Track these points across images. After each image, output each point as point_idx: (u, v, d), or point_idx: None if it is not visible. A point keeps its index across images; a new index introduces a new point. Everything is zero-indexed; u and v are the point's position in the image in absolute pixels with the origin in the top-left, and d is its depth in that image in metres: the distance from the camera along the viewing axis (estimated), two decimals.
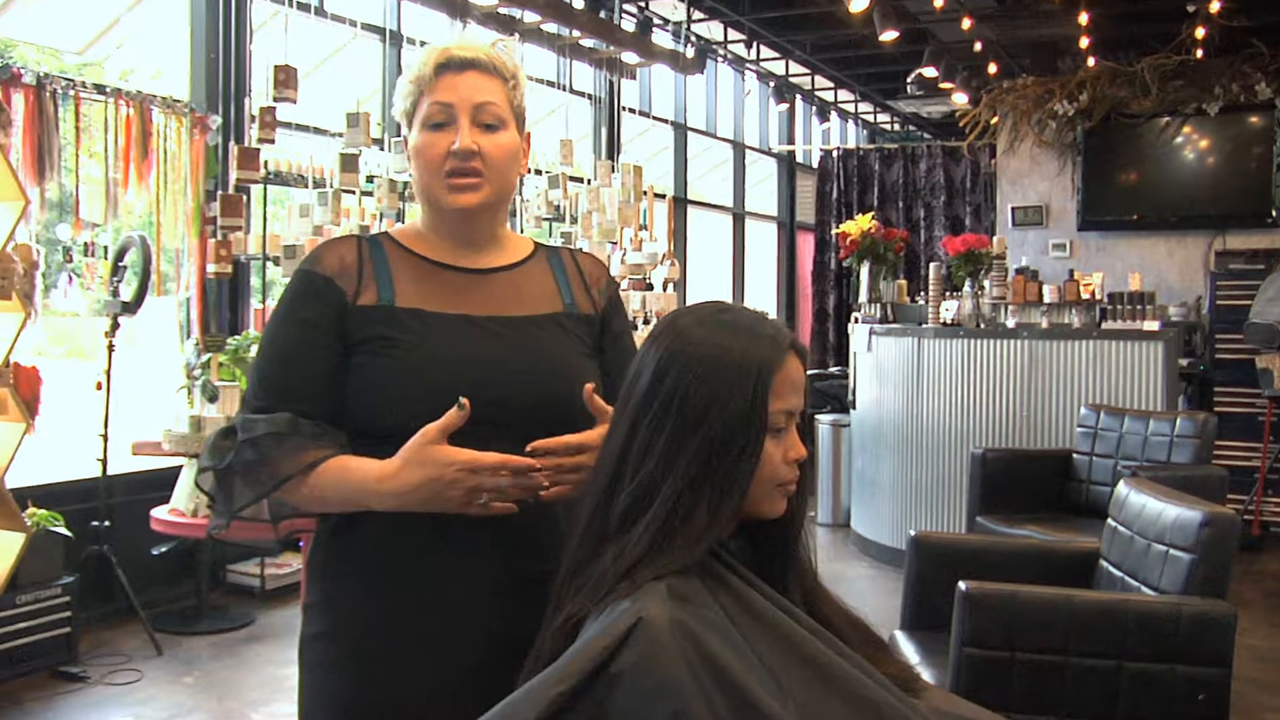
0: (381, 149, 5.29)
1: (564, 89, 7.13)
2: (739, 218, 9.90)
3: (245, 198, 4.83)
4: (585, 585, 1.11)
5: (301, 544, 1.35)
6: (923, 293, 6.25)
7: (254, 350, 1.46)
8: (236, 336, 4.57)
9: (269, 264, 4.95)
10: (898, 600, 3.05)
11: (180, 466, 4.31)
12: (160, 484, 4.44)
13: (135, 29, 5.23)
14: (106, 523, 4.17)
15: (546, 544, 1.32)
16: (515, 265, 1.46)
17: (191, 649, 4.16)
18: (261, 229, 4.88)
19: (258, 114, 4.66)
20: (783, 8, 8.16)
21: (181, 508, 4.18)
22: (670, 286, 6.53)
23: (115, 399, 4.22)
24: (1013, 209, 7.71)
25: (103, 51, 5.26)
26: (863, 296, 6.33)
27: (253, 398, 1.35)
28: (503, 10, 6.00)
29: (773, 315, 1.21)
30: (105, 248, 4.35)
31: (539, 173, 6.15)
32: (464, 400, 1.24)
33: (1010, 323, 5.47)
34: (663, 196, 7.39)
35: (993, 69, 7.84)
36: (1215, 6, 6.54)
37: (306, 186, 5.00)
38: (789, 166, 10.76)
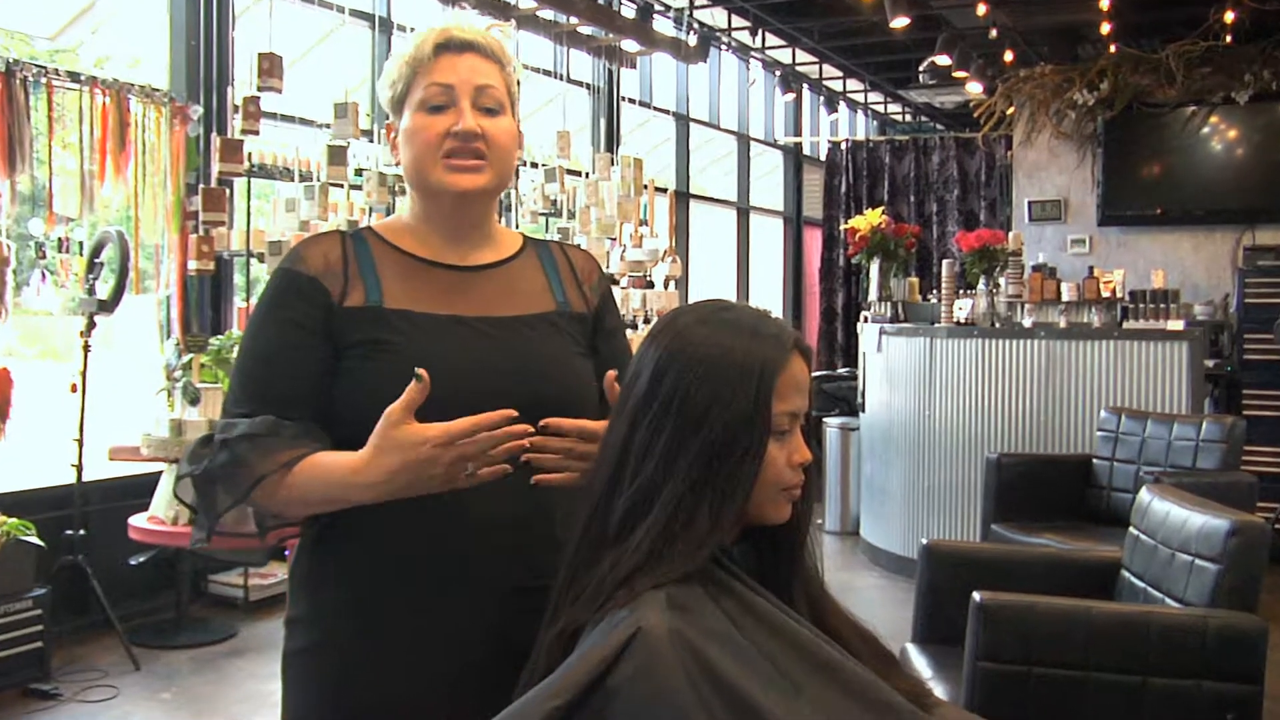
0: (371, 140, 5.28)
1: (561, 78, 7.12)
2: (743, 213, 9.89)
3: (228, 191, 4.82)
4: (583, 593, 1.11)
5: (287, 553, 1.35)
6: (935, 291, 6.23)
7: (236, 351, 1.44)
8: (219, 336, 4.57)
9: (253, 261, 4.94)
10: (909, 612, 3.05)
11: (160, 472, 4.31)
12: (138, 491, 4.43)
13: (111, 14, 5.23)
14: (81, 532, 4.16)
15: (542, 551, 1.32)
16: (505, 261, 1.46)
17: (170, 663, 4.15)
18: (245, 224, 4.87)
19: (241, 104, 4.65)
20: None
21: (161, 515, 4.18)
22: (672, 284, 6.52)
23: (91, 402, 4.21)
24: (1029, 203, 7.70)
25: (76, 37, 5.26)
26: (872, 295, 6.32)
27: (234, 404, 1.34)
28: None
29: (776, 314, 1.22)
30: (80, 243, 4.34)
31: (535, 166, 6.14)
32: (421, 371, 1.22)
33: (1027, 322, 5.46)
34: (664, 191, 7.39)
35: (1009, 57, 7.82)
36: None
37: (292, 180, 4.99)
38: (795, 159, 10.75)
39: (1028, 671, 2.34)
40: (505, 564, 1.33)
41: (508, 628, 1.30)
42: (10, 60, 4.16)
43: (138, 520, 4.18)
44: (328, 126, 4.97)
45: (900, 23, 6.65)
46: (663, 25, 7.90)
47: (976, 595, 2.41)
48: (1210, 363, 6.10)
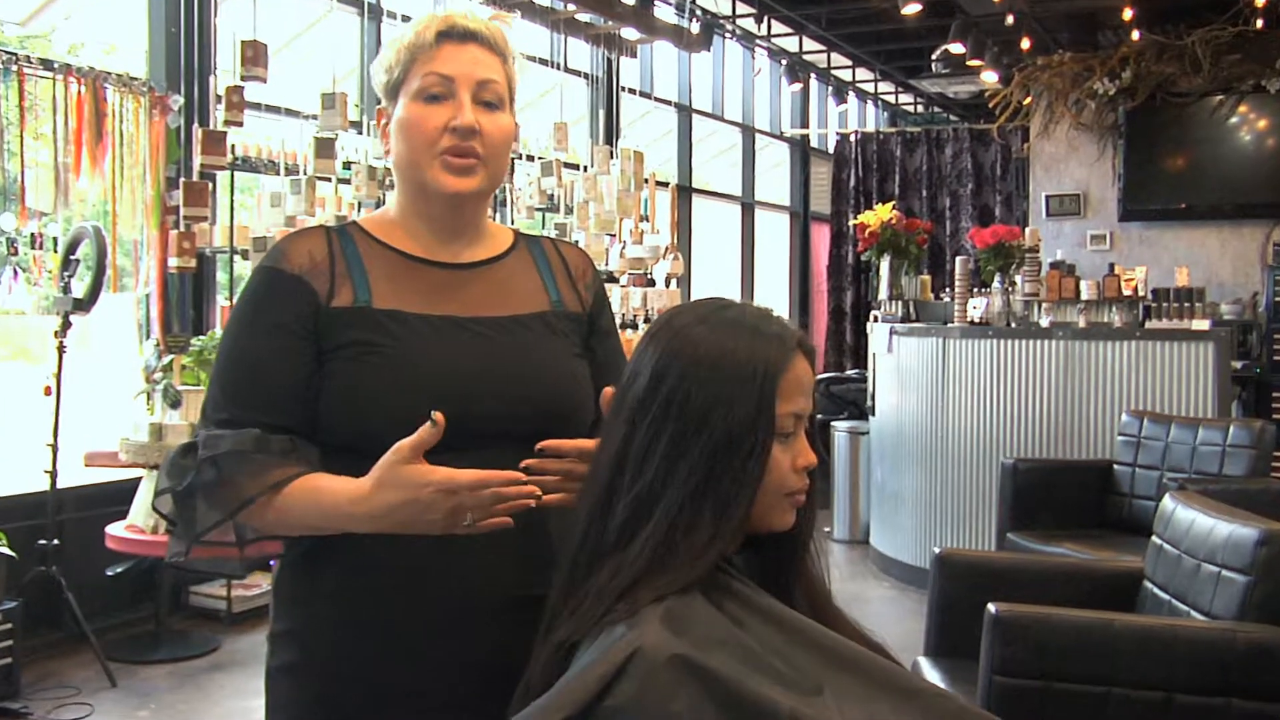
0: (360, 132, 5.28)
1: (558, 68, 7.12)
2: (748, 208, 9.89)
3: (210, 185, 4.82)
4: (581, 605, 1.11)
5: (273, 564, 1.35)
6: (948, 289, 6.22)
7: (216, 354, 1.43)
8: (201, 337, 4.56)
9: (236, 258, 4.94)
10: (921, 624, 3.05)
11: (139, 479, 4.30)
12: (116, 498, 4.42)
13: None
14: (55, 541, 4.15)
15: (537, 563, 1.32)
16: (497, 259, 1.45)
17: (148, 679, 4.14)
18: (228, 219, 4.87)
19: (224, 94, 4.65)
20: None
21: (139, 524, 4.17)
22: (673, 283, 6.51)
23: (66, 405, 4.20)
24: (1047, 198, 7.69)
25: (49, 23, 5.25)
26: (883, 293, 6.32)
27: (214, 410, 1.32)
28: None
29: (779, 312, 1.22)
30: (55, 239, 4.33)
31: (531, 159, 6.14)
32: (437, 415, 1.21)
33: (1044, 322, 5.45)
34: (665, 185, 7.39)
35: (1026, 44, 7.81)
36: None
37: (278, 173, 4.99)
38: (802, 152, 10.75)
39: (1045, 687, 2.33)
40: (498, 576, 1.32)
41: (501, 641, 1.30)
42: None
43: (115, 529, 4.17)
44: (315, 118, 4.96)
45: (912, 9, 6.65)
46: (664, 12, 7.89)
47: (992, 607, 2.40)
48: (1238, 364, 6.09)
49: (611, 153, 6.46)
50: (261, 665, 1.42)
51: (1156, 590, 2.76)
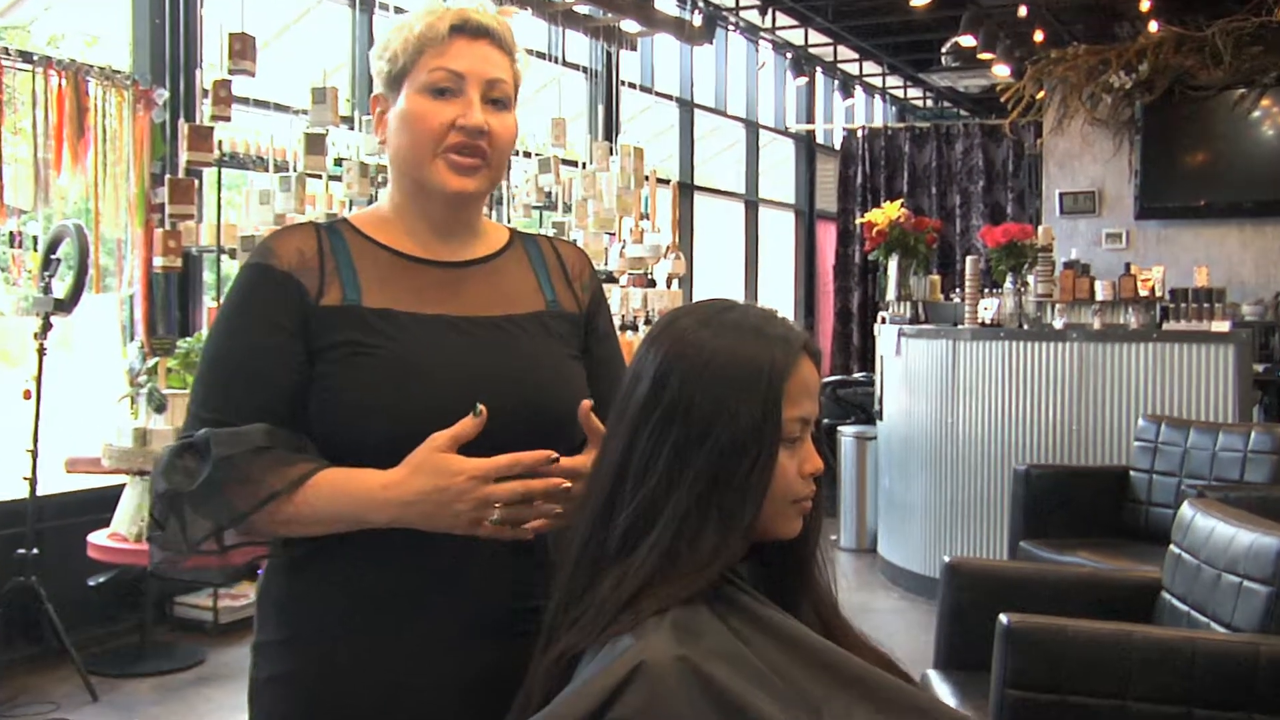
0: (352, 128, 5.27)
1: (556, 61, 7.12)
2: (752, 205, 9.89)
3: (197, 182, 4.82)
4: (581, 616, 1.12)
5: (260, 572, 1.34)
6: (958, 290, 6.22)
7: (201, 355, 1.42)
8: (187, 339, 4.56)
9: (224, 257, 4.93)
10: (930, 635, 3.04)
11: (122, 485, 4.30)
12: (98, 505, 4.41)
13: None
14: (34, 551, 4.14)
15: (532, 573, 1.32)
16: (492, 257, 1.45)
17: (132, 693, 4.13)
18: (215, 218, 4.86)
19: (210, 88, 4.64)
20: None
21: (123, 532, 4.16)
22: (675, 283, 6.51)
23: (46, 410, 4.19)
24: (1061, 195, 7.69)
25: (28, 14, 5.25)
26: (890, 294, 6.31)
27: (201, 410, 1.31)
28: None
29: (783, 314, 1.22)
30: (35, 238, 4.33)
31: (528, 155, 6.14)
32: (481, 406, 1.24)
33: (1058, 323, 5.45)
34: (666, 182, 7.39)
35: (1039, 36, 7.81)
36: None
37: (266, 170, 4.99)
38: (808, 148, 10.76)
39: (1060, 701, 2.33)
40: (493, 587, 1.32)
41: (499, 652, 1.30)
42: None
43: (97, 538, 4.16)
44: (305, 113, 4.96)
45: (921, 0, 6.64)
46: (665, 4, 7.90)
47: (1004, 618, 2.40)
48: (1259, 367, 6.08)
49: (611, 149, 6.46)
50: (248, 678, 1.41)
51: (1175, 601, 2.76)
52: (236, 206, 5.05)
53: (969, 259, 5.76)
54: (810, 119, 10.70)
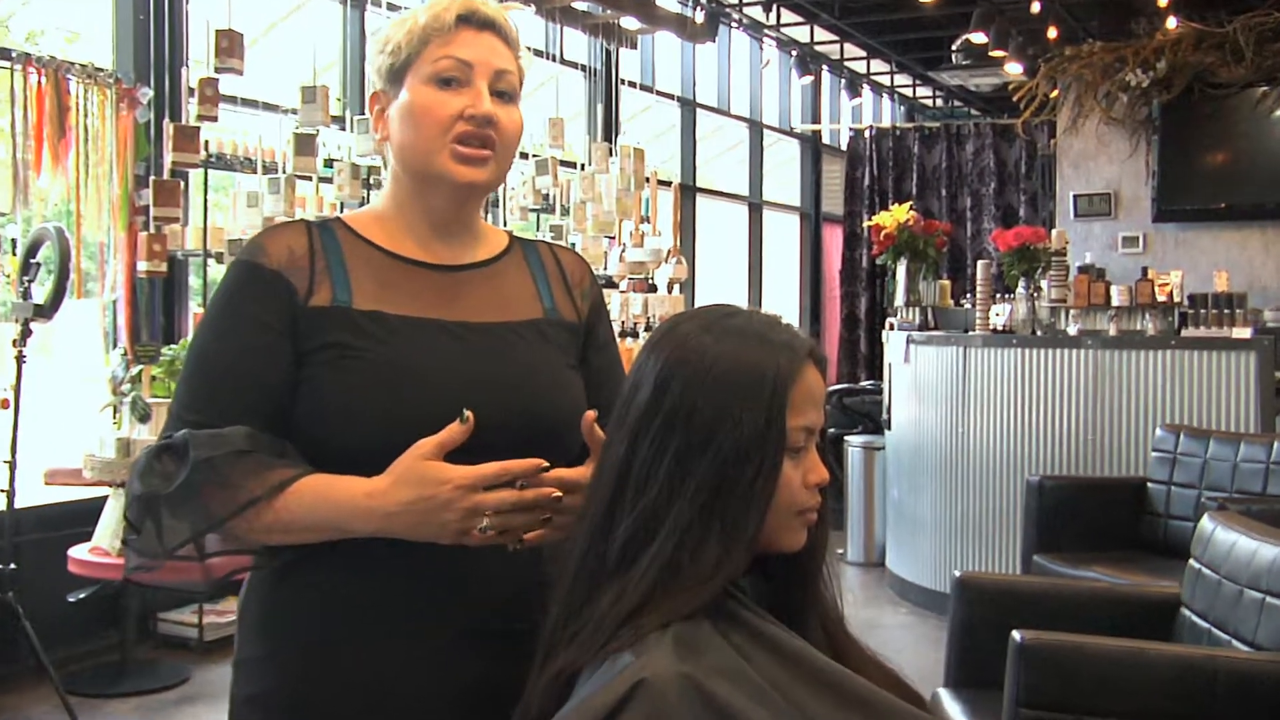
0: (342, 128, 5.28)
1: (554, 59, 7.13)
2: (756, 208, 9.90)
3: (182, 184, 4.82)
4: (580, 632, 1.12)
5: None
6: (969, 295, 6.21)
7: (186, 354, 1.43)
8: (172, 346, 4.56)
9: (210, 261, 4.93)
10: (941, 652, 3.04)
11: (104, 498, 4.29)
12: (79, 518, 4.41)
13: None
14: (12, 565, 4.12)
15: (525, 589, 1.31)
16: (490, 262, 1.45)
17: (113, 714, 4.12)
18: (201, 221, 4.87)
19: (197, 86, 4.65)
20: None
21: (105, 546, 4.15)
22: (676, 288, 6.51)
23: (25, 419, 4.18)
24: (1075, 197, 7.69)
25: (6, 9, 5.25)
26: (899, 299, 6.31)
27: (184, 411, 1.31)
28: None
29: (787, 320, 1.23)
30: (14, 241, 4.32)
31: (525, 156, 6.14)
32: (468, 413, 1.23)
33: (1072, 329, 5.44)
34: (668, 184, 7.39)
35: (1053, 33, 7.82)
36: None
37: (254, 171, 4.99)
38: (814, 149, 10.77)
39: None
40: (483, 604, 1.32)
41: (486, 673, 1.30)
42: None
43: (78, 552, 4.16)
44: (294, 112, 4.96)
45: None
46: (666, 0, 7.90)
47: (1017, 634, 2.39)
48: None
49: (610, 150, 6.46)
50: None
51: (1195, 618, 2.75)
52: (223, 209, 5.05)
53: (980, 263, 5.76)
54: (816, 119, 10.71)
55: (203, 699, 4.28)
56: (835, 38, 9.91)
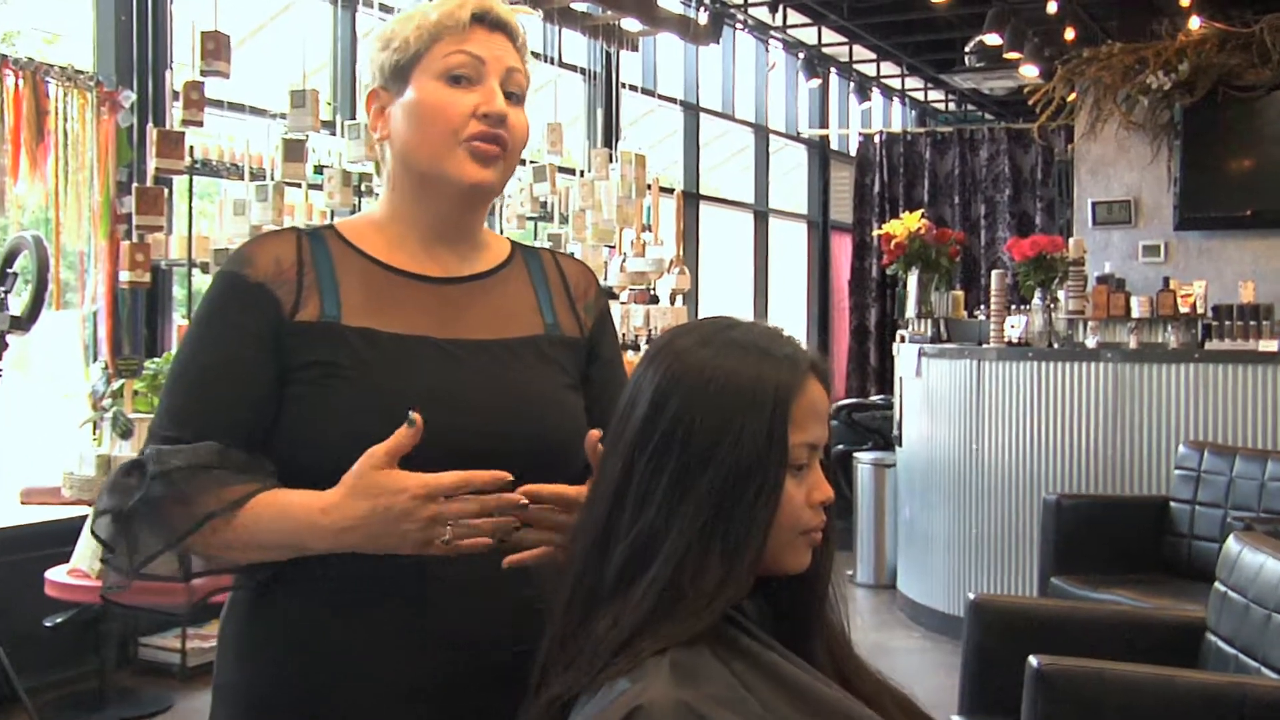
0: (333, 133, 5.28)
1: (552, 62, 7.14)
2: (761, 216, 9.91)
3: (166, 191, 4.83)
4: (576, 658, 1.12)
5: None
6: (983, 306, 6.21)
7: (169, 368, 1.44)
8: (155, 359, 4.56)
9: (195, 271, 4.93)
10: (954, 679, 3.03)
11: (84, 518, 4.27)
12: (57, 539, 4.39)
13: None
14: None
15: (514, 616, 1.31)
16: (489, 273, 1.44)
17: None
18: (186, 229, 4.87)
19: (181, 90, 4.66)
20: None
21: (84, 568, 4.14)
22: (679, 299, 6.51)
23: (1, 436, 4.18)
24: (1093, 204, 7.69)
25: None
26: (910, 310, 6.31)
27: (162, 428, 1.31)
28: None
29: (789, 332, 1.23)
30: None
31: (522, 162, 6.13)
32: (414, 414, 1.21)
33: (1091, 342, 5.44)
34: (670, 191, 7.39)
35: (1070, 34, 7.83)
36: None
37: (241, 178, 5.00)
38: (822, 155, 10.78)
39: None
40: (470, 631, 1.31)
41: (474, 704, 1.30)
42: None
43: (55, 574, 4.14)
44: (283, 117, 4.97)
45: None
46: (669, 1, 7.92)
47: (1034, 660, 2.39)
48: None
49: (611, 156, 6.47)
50: None
51: (1221, 644, 2.74)
52: (209, 217, 5.06)
53: (995, 273, 5.77)
54: (824, 123, 10.73)
55: None
56: (844, 39, 9.93)
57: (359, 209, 5.16)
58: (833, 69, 10.55)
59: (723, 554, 1.12)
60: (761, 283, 9.86)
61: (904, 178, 9.94)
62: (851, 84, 10.87)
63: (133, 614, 4.67)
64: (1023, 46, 8.08)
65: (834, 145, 10.87)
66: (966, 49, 8.69)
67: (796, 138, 10.51)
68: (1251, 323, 5.41)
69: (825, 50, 10.05)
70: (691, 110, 8.97)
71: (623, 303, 6.40)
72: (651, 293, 6.52)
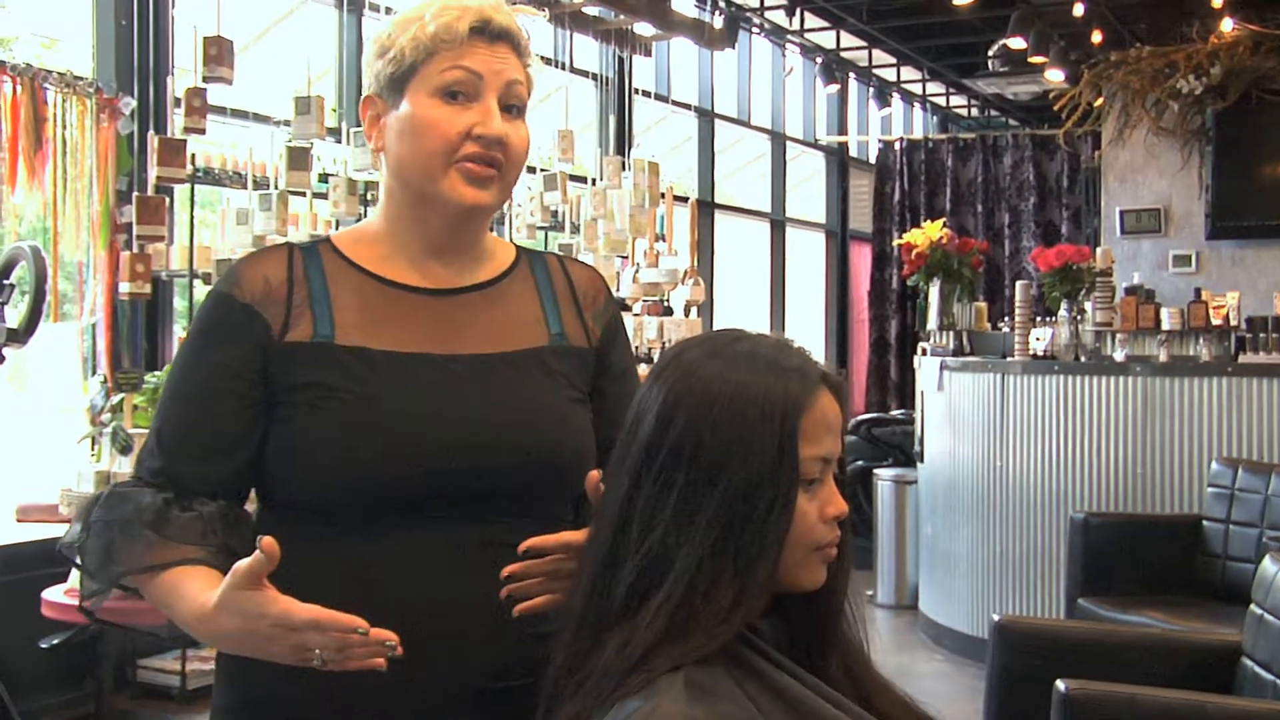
0: (338, 140, 5.30)
1: (563, 67, 7.16)
2: (778, 225, 9.91)
3: (167, 200, 4.83)
4: (585, 682, 1.11)
5: None
6: (1007, 318, 6.19)
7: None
8: (155, 373, 4.56)
9: (197, 282, 4.94)
10: (978, 703, 3.04)
11: None
12: (54, 558, 4.35)
13: None
14: None
15: (509, 645, 1.30)
16: (492, 283, 1.43)
17: None
18: (187, 239, 4.88)
19: (183, 96, 4.67)
20: None
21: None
22: (694, 311, 6.50)
23: None
24: (1121, 213, 7.67)
25: None
26: (932, 322, 6.30)
27: (149, 457, 1.34)
28: None
29: (800, 343, 1.23)
30: None
31: (532, 171, 6.16)
32: (265, 541, 1.16)
33: (1119, 355, 5.42)
34: (685, 200, 7.39)
35: (1097, 38, 7.82)
36: None
37: (244, 187, 5.01)
38: (840, 162, 10.79)
39: None
40: (463, 661, 1.31)
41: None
42: None
43: (52, 594, 4.14)
44: (287, 124, 4.98)
45: None
46: (683, 5, 7.94)
47: (1061, 685, 2.38)
48: None
49: (623, 164, 6.47)
50: None
51: (1258, 669, 2.72)
52: (211, 227, 5.07)
53: (1019, 284, 5.75)
54: (843, 130, 10.73)
55: None
56: (863, 43, 9.94)
57: (365, 218, 5.17)
58: (851, 74, 10.55)
59: (735, 572, 1.12)
60: (778, 294, 9.85)
61: (925, 186, 9.94)
62: (871, 89, 10.88)
63: (131, 635, 4.68)
64: (1048, 50, 8.07)
65: (853, 152, 10.88)
66: (990, 53, 8.70)
67: (814, 145, 10.52)
68: None
69: (844, 54, 10.06)
70: (706, 117, 8.98)
71: (636, 314, 6.39)
72: (665, 304, 6.51)
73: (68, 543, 1.33)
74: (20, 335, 4.22)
